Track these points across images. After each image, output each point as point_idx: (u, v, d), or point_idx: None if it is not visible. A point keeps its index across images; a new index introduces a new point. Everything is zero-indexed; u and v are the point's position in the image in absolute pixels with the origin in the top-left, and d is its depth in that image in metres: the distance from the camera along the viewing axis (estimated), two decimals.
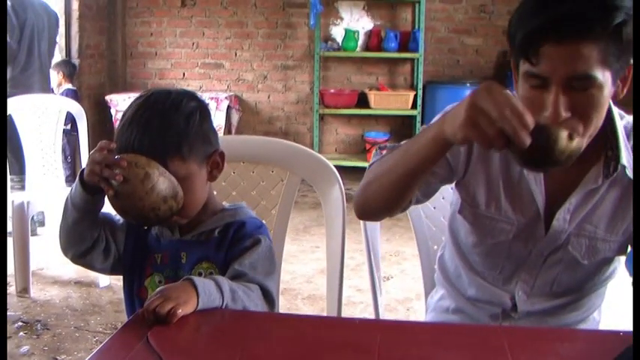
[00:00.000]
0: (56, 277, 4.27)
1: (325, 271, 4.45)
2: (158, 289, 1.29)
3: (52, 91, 5.78)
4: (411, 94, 7.32)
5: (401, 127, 7.62)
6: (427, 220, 2.05)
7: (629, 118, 1.58)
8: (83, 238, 1.55)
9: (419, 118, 7.30)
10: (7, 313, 3.65)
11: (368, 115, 7.56)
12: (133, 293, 1.58)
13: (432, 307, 1.91)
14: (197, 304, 1.28)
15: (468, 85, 7.06)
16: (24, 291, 3.93)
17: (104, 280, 4.03)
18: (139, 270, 1.58)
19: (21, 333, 3.43)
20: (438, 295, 1.90)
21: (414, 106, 7.30)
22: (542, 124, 1.26)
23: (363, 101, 7.43)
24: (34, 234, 4.73)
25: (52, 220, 5.05)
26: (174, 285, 1.32)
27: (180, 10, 7.73)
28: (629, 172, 1.52)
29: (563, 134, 1.25)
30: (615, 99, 1.45)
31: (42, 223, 5.18)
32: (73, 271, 4.34)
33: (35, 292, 4.00)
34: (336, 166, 1.96)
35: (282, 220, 1.96)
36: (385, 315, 2.14)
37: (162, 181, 1.40)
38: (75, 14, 6.85)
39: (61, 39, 6.68)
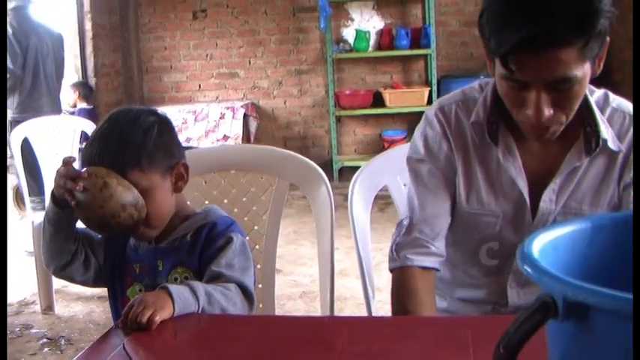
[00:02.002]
0: (80, 293, 4.34)
1: (344, 273, 4.49)
2: (134, 298, 1.34)
3: (62, 112, 5.87)
4: (426, 90, 7.35)
5: (418, 123, 7.59)
6: None
7: (599, 93, 1.60)
8: (61, 251, 1.62)
9: None
10: (32, 331, 3.74)
11: (384, 114, 7.60)
12: (118, 304, 1.64)
13: None
14: (173, 310, 1.33)
15: (482, 77, 7.02)
16: (48, 308, 4.01)
17: None
18: (120, 281, 1.65)
19: (45, 349, 3.52)
20: None
21: (429, 101, 7.30)
22: None
23: (378, 100, 7.47)
24: None
25: None
26: (150, 293, 1.38)
27: (192, 22, 7.82)
28: (611, 145, 1.54)
29: None
30: (592, 77, 1.46)
31: None
32: None
33: (59, 308, 4.08)
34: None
35: (274, 224, 2.00)
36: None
37: (122, 190, 1.48)
38: (89, 34, 6.96)
39: (76, 59, 6.81)
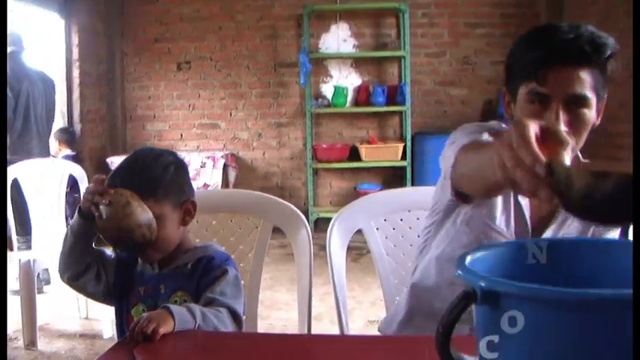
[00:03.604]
0: (62, 330, 4.49)
1: (318, 318, 4.65)
2: (140, 315, 1.55)
3: (50, 156, 6.03)
4: (401, 145, 7.63)
5: (392, 177, 7.88)
6: (388, 257, 2.29)
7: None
8: (77, 261, 1.84)
9: (409, 169, 7.60)
10: None
11: (360, 167, 7.85)
12: (123, 321, 1.85)
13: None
14: (174, 325, 1.53)
15: None
16: (31, 344, 4.13)
17: (108, 331, 4.26)
18: (126, 301, 1.86)
19: None
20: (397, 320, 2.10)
21: (403, 157, 7.59)
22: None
23: (354, 154, 7.75)
24: (40, 292, 4.98)
25: (58, 277, 5.30)
26: (153, 312, 1.58)
27: (176, 73, 8.08)
28: None
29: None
30: (593, 126, 1.70)
31: (47, 282, 5.42)
32: (78, 325, 4.59)
33: (42, 345, 4.21)
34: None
35: (258, 261, 2.22)
36: None
37: (140, 212, 1.71)
38: (76, 81, 7.20)
39: (63, 105, 7.01)
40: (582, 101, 1.62)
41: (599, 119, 1.72)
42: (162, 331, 1.49)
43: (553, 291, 0.73)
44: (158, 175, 1.80)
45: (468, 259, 0.88)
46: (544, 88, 1.62)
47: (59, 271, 1.88)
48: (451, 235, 1.85)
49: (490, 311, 0.79)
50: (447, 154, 1.67)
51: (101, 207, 1.70)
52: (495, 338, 0.78)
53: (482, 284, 0.78)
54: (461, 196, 1.61)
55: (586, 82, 1.61)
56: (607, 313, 0.73)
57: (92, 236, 1.83)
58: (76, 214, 1.80)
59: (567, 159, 0.96)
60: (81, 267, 1.85)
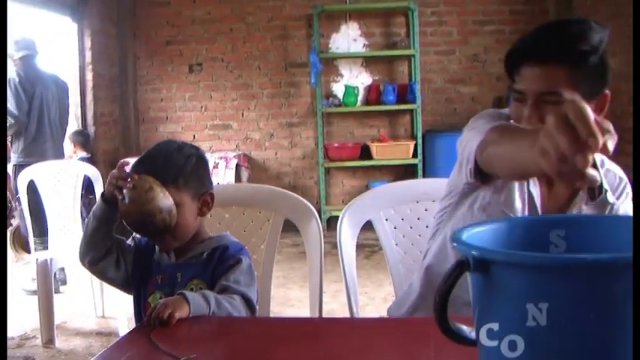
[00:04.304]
0: (79, 328, 4.57)
1: (330, 313, 4.71)
2: (158, 301, 1.61)
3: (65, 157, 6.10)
4: (412, 143, 7.67)
5: (404, 175, 7.90)
6: (397, 247, 2.35)
7: (598, 155, 1.82)
8: (98, 246, 1.91)
9: (420, 166, 7.65)
10: None
11: (371, 166, 7.90)
12: (141, 308, 1.91)
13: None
14: (189, 311, 1.60)
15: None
16: (49, 342, 4.21)
17: (124, 329, 4.33)
18: (144, 289, 1.93)
19: None
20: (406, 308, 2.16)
21: (414, 154, 7.64)
22: None
23: (366, 153, 7.80)
24: (57, 292, 5.06)
25: (74, 276, 5.40)
26: (170, 298, 1.65)
27: (188, 75, 8.15)
28: (609, 197, 1.80)
29: None
30: None
31: (64, 282, 5.50)
32: (94, 323, 4.67)
33: (60, 342, 4.29)
34: None
35: (270, 253, 2.28)
36: None
37: (162, 197, 1.78)
38: (89, 84, 7.27)
39: (76, 108, 7.09)
40: (555, 97, 1.63)
41: (603, 115, 1.69)
42: (177, 316, 1.55)
43: (540, 257, 0.78)
44: (180, 164, 1.88)
45: (464, 235, 0.93)
46: (519, 86, 1.69)
47: (79, 255, 1.94)
48: (467, 220, 1.86)
49: (483, 279, 0.84)
50: (468, 137, 1.71)
51: (124, 191, 1.77)
52: (495, 326, 0.83)
53: (475, 253, 0.84)
54: (482, 178, 1.66)
55: (557, 78, 1.63)
56: (591, 277, 0.78)
57: (113, 221, 1.90)
58: (99, 199, 1.87)
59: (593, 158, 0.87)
60: (101, 252, 1.91)
